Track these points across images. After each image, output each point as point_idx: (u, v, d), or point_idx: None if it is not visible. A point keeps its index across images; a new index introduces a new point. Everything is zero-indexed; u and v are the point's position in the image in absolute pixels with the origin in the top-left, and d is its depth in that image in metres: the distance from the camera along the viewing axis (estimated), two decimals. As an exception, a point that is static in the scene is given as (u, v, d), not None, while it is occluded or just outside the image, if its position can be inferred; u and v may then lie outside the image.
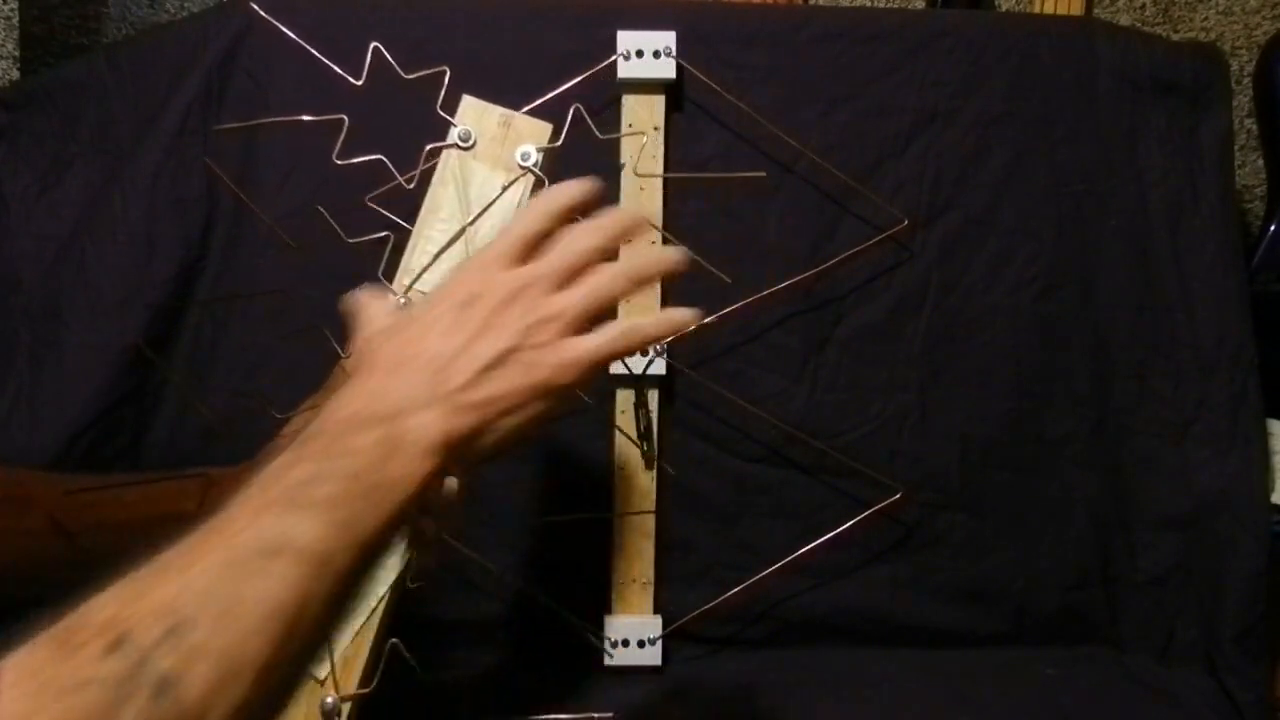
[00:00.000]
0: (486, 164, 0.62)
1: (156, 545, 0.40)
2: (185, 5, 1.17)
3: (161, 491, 0.63)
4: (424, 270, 0.60)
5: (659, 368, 0.91)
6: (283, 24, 0.83)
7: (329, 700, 0.55)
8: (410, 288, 0.60)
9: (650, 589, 0.93)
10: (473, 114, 0.63)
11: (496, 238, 0.52)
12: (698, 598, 0.94)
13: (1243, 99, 1.19)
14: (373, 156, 0.65)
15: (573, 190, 0.53)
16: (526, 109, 0.66)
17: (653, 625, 0.92)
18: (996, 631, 0.97)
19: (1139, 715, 0.89)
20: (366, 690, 0.57)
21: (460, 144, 0.62)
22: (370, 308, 0.52)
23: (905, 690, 0.90)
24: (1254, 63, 1.13)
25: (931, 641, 0.96)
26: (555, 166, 0.64)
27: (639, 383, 0.92)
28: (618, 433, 0.92)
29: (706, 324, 0.92)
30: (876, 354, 0.96)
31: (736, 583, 0.94)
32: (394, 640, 0.59)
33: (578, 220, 0.53)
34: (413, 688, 0.59)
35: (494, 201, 0.61)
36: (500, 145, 0.62)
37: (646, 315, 0.53)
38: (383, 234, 0.64)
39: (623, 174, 0.92)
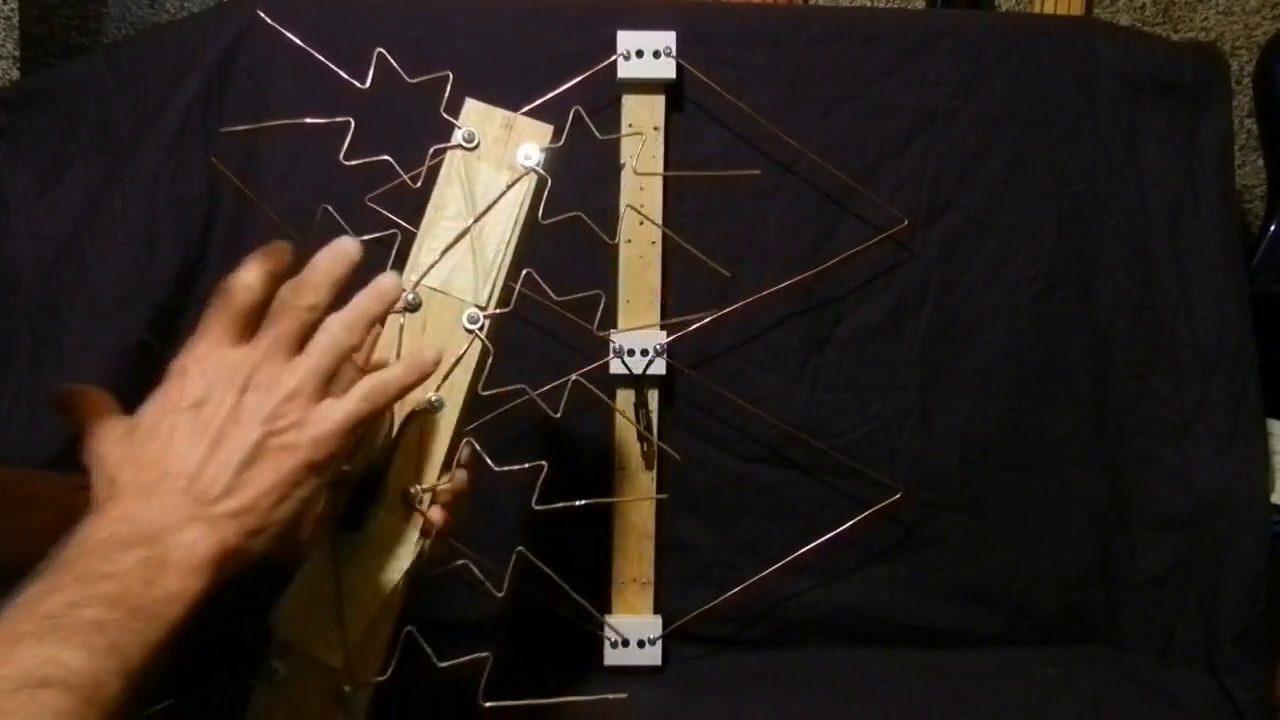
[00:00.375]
0: (490, 164, 0.63)
1: None
2: (185, 5, 1.17)
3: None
4: (432, 266, 0.61)
5: (659, 368, 0.91)
6: (284, 26, 0.83)
7: (345, 690, 0.56)
8: (418, 284, 0.61)
9: (650, 589, 0.93)
10: (476, 117, 0.64)
11: (203, 324, 0.49)
12: (698, 598, 0.94)
13: (1243, 99, 1.19)
14: (379, 157, 0.66)
15: (266, 256, 0.50)
16: (526, 109, 0.66)
17: (653, 625, 0.92)
18: (996, 631, 0.97)
19: (1139, 715, 0.88)
20: (381, 678, 0.57)
21: (464, 145, 0.62)
22: (96, 424, 0.48)
23: (905, 690, 0.90)
24: (1254, 63, 1.13)
25: (931, 641, 0.96)
26: (556, 165, 0.64)
27: (639, 383, 0.92)
28: (618, 433, 0.92)
29: (706, 324, 0.92)
30: (876, 354, 0.96)
31: (736, 583, 0.94)
32: (409, 628, 0.59)
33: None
34: (412, 686, 0.60)
35: (499, 199, 0.62)
36: (503, 146, 0.63)
37: (393, 366, 0.52)
38: (389, 232, 0.64)
39: (623, 174, 0.92)
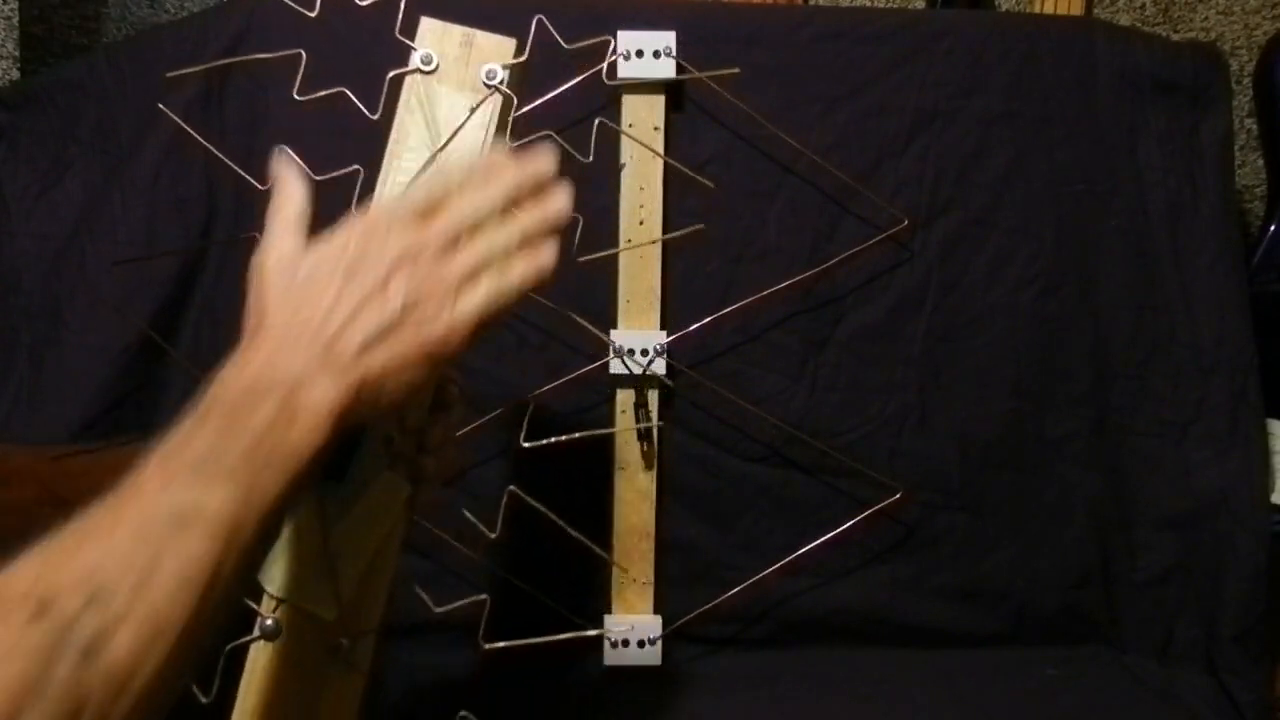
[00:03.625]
0: (451, 86, 0.59)
1: (71, 516, 0.41)
2: (185, 5, 1.17)
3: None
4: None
5: (659, 368, 0.91)
6: (281, 14, 0.83)
7: (343, 642, 0.55)
8: None
9: (650, 589, 0.93)
10: (432, 36, 0.60)
11: (399, 199, 0.52)
12: (698, 598, 0.94)
13: (1243, 99, 1.19)
14: (335, 89, 0.63)
15: (500, 183, 0.52)
16: (526, 109, 0.65)
17: (653, 625, 0.92)
18: (996, 631, 0.97)
19: (1139, 715, 0.89)
20: (376, 628, 0.57)
21: (422, 68, 0.59)
22: (275, 237, 0.51)
23: (905, 690, 0.90)
24: (1254, 63, 1.13)
25: (931, 641, 0.96)
26: (523, 83, 0.62)
27: (639, 383, 0.92)
28: (618, 433, 0.92)
29: (706, 324, 0.92)
30: (876, 354, 0.96)
31: (736, 583, 0.94)
32: (405, 576, 0.58)
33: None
34: (414, 686, 0.60)
35: (463, 125, 0.59)
36: (464, 66, 0.60)
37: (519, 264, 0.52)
38: (351, 169, 0.62)
39: (623, 174, 0.92)
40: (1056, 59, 0.96)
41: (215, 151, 0.87)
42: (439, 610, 0.62)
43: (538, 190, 0.53)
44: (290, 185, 0.53)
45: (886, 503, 0.94)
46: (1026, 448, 0.97)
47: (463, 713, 0.60)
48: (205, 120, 0.92)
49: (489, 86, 0.59)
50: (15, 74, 1.00)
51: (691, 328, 0.92)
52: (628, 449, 0.93)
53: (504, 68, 0.59)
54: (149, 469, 0.43)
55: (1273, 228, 1.06)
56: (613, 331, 0.91)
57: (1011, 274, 0.96)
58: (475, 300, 0.51)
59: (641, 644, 0.91)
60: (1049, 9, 1.12)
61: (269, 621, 0.55)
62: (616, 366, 0.91)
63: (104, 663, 0.37)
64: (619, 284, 0.92)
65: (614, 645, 0.91)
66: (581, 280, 0.89)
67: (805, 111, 0.95)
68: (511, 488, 0.59)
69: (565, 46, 0.82)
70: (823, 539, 0.94)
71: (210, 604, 0.41)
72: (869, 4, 1.22)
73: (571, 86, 0.86)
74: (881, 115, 0.96)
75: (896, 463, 0.96)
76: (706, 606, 0.94)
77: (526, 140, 0.64)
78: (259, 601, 0.56)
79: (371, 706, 0.56)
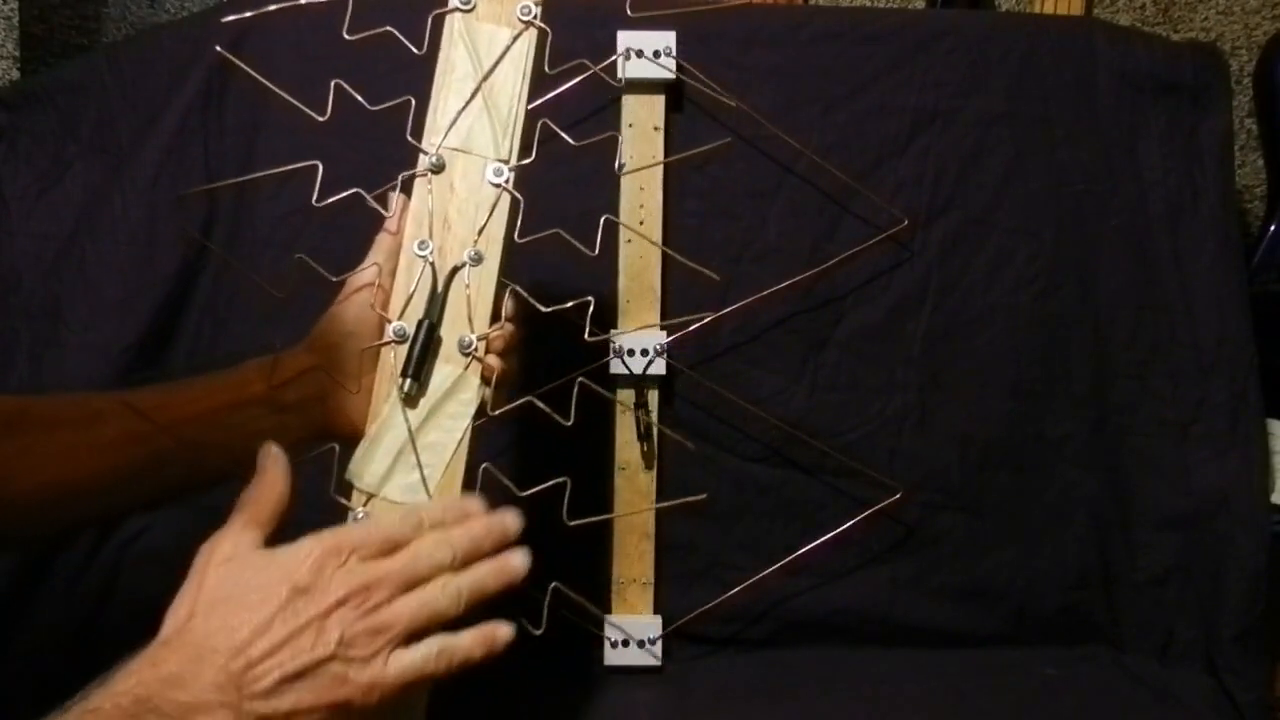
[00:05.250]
0: (490, 22, 0.64)
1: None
2: (185, 5, 1.17)
3: (225, 381, 0.64)
4: (450, 126, 0.63)
5: (659, 368, 0.91)
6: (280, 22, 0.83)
7: None
8: (440, 145, 0.63)
9: (650, 589, 0.93)
10: None
11: (361, 527, 0.53)
12: (698, 598, 0.94)
13: (1243, 99, 1.19)
14: (382, 29, 0.66)
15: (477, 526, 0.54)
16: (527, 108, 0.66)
17: (653, 625, 0.92)
18: (996, 631, 0.97)
19: (1139, 715, 0.88)
20: None
21: (461, 7, 0.64)
22: (226, 536, 0.51)
23: (905, 690, 0.90)
24: (1254, 63, 1.13)
25: (931, 641, 0.96)
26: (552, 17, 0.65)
27: (639, 383, 0.92)
28: (618, 433, 0.92)
29: (706, 324, 0.92)
30: (876, 354, 0.96)
31: (736, 583, 0.94)
32: (486, 465, 0.62)
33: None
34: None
35: (504, 55, 0.63)
36: (500, 4, 0.64)
37: (460, 636, 0.53)
38: (403, 99, 0.65)
39: (623, 174, 0.92)
40: (1056, 59, 0.96)
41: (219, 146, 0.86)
42: (522, 494, 0.64)
43: (500, 546, 0.54)
44: (273, 478, 0.53)
45: (886, 503, 0.94)
46: (1026, 448, 0.97)
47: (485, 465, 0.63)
48: (205, 120, 0.92)
49: (524, 21, 0.63)
50: (15, 74, 1.00)
51: (691, 328, 0.92)
52: (628, 449, 0.93)
53: (537, 3, 0.63)
54: None
55: (1273, 228, 1.07)
56: (613, 331, 0.91)
57: (1011, 274, 0.96)
58: (412, 658, 0.49)
59: (641, 644, 0.91)
60: (1049, 9, 1.12)
61: (360, 514, 0.58)
62: (617, 366, 0.91)
63: None
64: (619, 284, 0.92)
65: (614, 645, 0.91)
66: (581, 280, 0.89)
67: (805, 111, 0.95)
68: (486, 465, 0.61)
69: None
70: (823, 539, 0.94)
71: None
72: (869, 4, 1.22)
73: (570, 87, 0.86)
74: (881, 115, 0.96)
75: (896, 463, 0.96)
76: (706, 606, 0.94)
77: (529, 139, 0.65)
78: (351, 497, 0.59)
79: None
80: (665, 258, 0.93)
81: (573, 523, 0.65)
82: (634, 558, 0.93)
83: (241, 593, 0.48)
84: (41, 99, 0.93)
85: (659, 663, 0.92)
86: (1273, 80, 1.07)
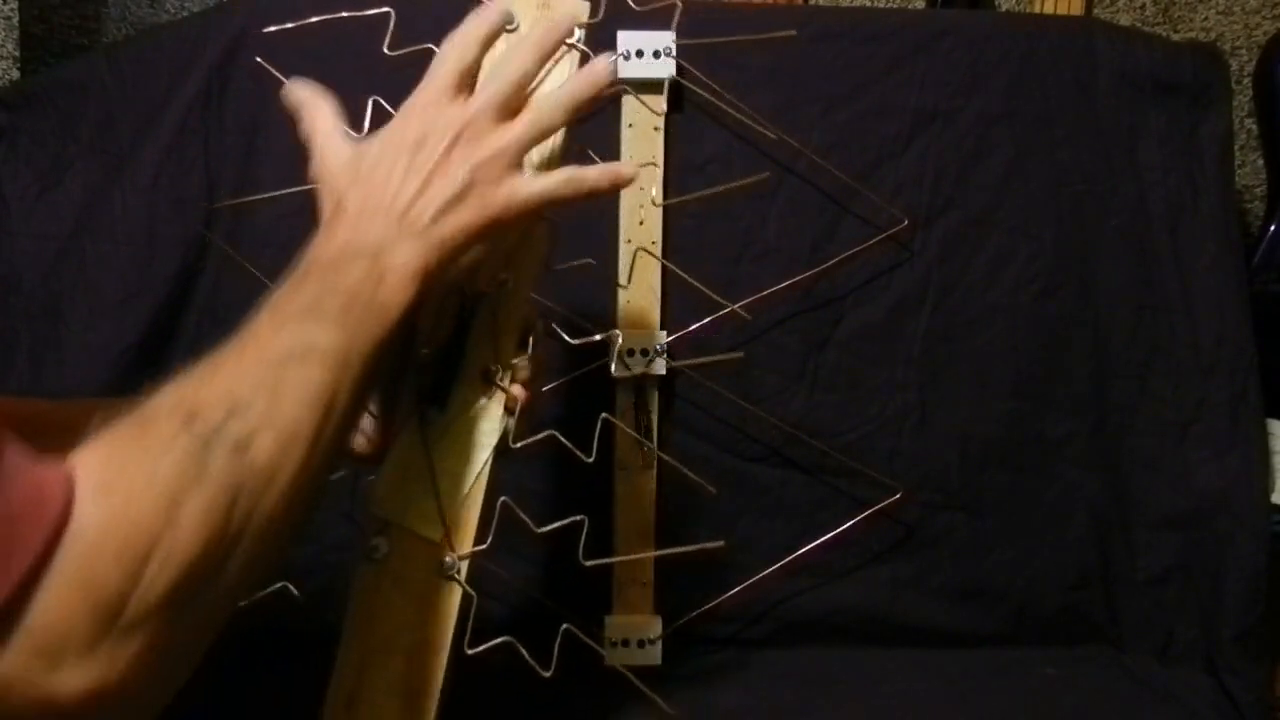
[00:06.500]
0: None
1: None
2: (185, 5, 1.17)
3: None
4: None
5: (659, 368, 0.91)
6: (284, 19, 0.83)
7: (447, 559, 0.59)
8: None
9: (650, 589, 0.93)
10: None
11: (429, 75, 0.55)
12: (698, 598, 0.94)
13: (1243, 99, 1.19)
14: (422, 46, 0.66)
15: (490, 16, 0.56)
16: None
17: (653, 625, 0.92)
18: (996, 631, 0.97)
19: (1139, 715, 0.88)
20: (482, 547, 0.61)
21: (505, 29, 0.63)
22: (327, 146, 0.55)
23: (905, 690, 0.90)
24: (1254, 63, 1.13)
25: (931, 641, 0.96)
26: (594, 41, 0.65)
27: (639, 383, 0.92)
28: (618, 433, 0.92)
29: (706, 324, 0.92)
30: (876, 354, 0.96)
31: (736, 583, 0.94)
32: (504, 499, 0.62)
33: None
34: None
35: (545, 76, 0.63)
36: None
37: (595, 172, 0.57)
38: None
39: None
40: (1056, 59, 0.96)
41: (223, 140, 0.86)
42: (540, 530, 0.67)
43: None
44: (315, 101, 0.57)
45: (886, 503, 0.94)
46: (1026, 448, 0.97)
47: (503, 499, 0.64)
48: (205, 120, 0.92)
49: (568, 45, 0.63)
50: (15, 74, 1.00)
51: (692, 328, 0.92)
52: (628, 449, 0.93)
53: (581, 27, 0.64)
54: (261, 317, 0.47)
55: (1273, 228, 1.06)
56: (613, 331, 0.91)
57: (1011, 274, 0.96)
58: (542, 183, 0.55)
59: (641, 644, 0.91)
60: (1049, 9, 1.12)
61: (377, 543, 0.59)
62: (617, 367, 0.91)
63: (251, 459, 0.42)
64: (619, 283, 0.92)
65: (614, 645, 0.91)
66: (582, 280, 0.89)
67: (805, 111, 0.95)
68: (504, 499, 0.62)
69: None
70: (823, 539, 0.94)
71: (330, 425, 0.46)
72: (869, 4, 1.22)
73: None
74: (881, 115, 0.96)
75: (896, 463, 0.96)
76: (706, 606, 0.94)
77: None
78: (369, 526, 0.60)
79: (467, 617, 0.61)
80: (666, 257, 0.93)
81: (589, 563, 0.66)
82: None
83: (369, 170, 0.53)
84: (41, 99, 0.93)
85: (659, 663, 0.92)
86: (1273, 80, 1.07)
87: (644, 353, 0.91)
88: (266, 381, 0.44)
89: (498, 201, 0.54)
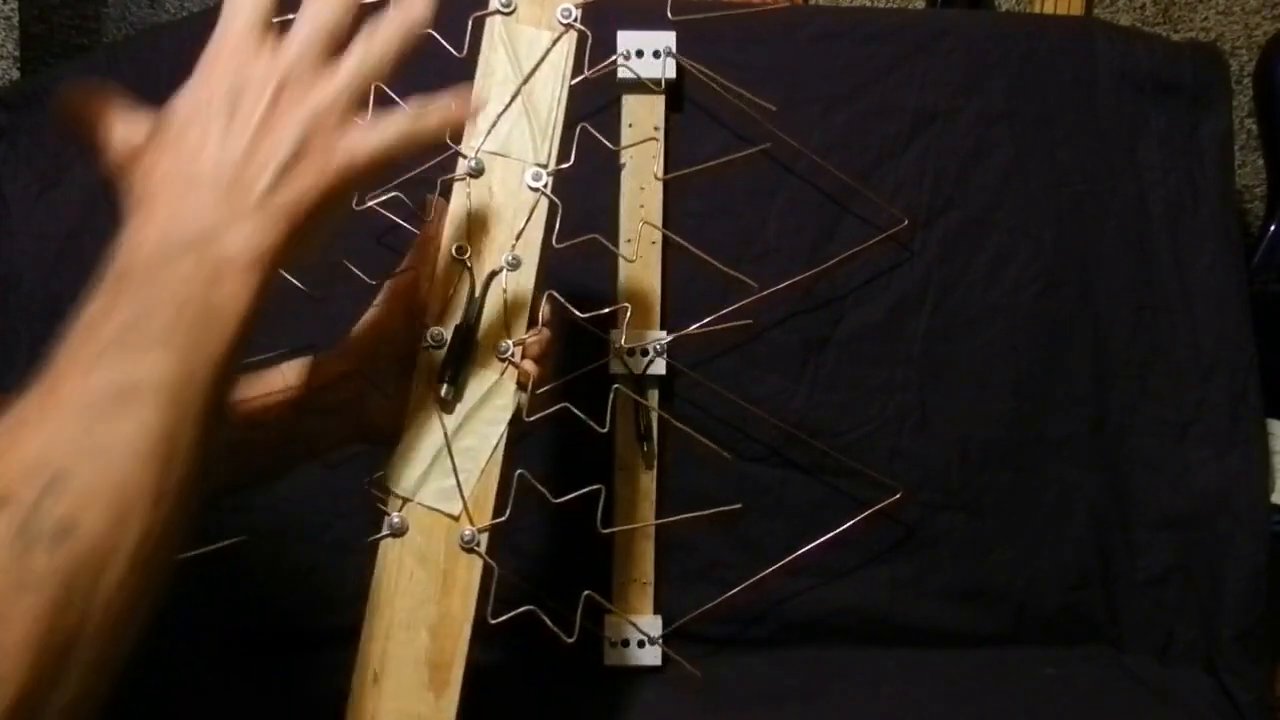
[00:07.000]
0: (529, 25, 0.64)
1: None
2: (185, 5, 1.17)
3: (264, 383, 0.64)
4: (490, 129, 0.63)
5: (659, 368, 0.91)
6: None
7: (467, 532, 0.59)
8: (479, 149, 0.63)
9: (650, 589, 0.93)
10: None
11: (224, 19, 0.47)
12: (698, 598, 0.94)
13: (1243, 99, 1.19)
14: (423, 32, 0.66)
15: None
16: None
17: (653, 625, 0.92)
18: (996, 631, 0.97)
19: (1139, 715, 0.88)
20: (501, 519, 0.61)
21: (502, 10, 0.64)
22: (119, 133, 0.47)
23: (905, 690, 0.90)
24: (1254, 63, 1.13)
25: (931, 641, 0.96)
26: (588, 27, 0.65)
27: (639, 383, 0.92)
28: (618, 433, 0.92)
29: (706, 324, 0.92)
30: (876, 354, 0.96)
31: (736, 583, 0.94)
32: (521, 471, 0.63)
33: None
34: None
35: (543, 59, 0.63)
36: (540, 7, 0.64)
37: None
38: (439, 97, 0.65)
39: (623, 174, 0.92)
40: (1056, 59, 0.96)
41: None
42: (557, 500, 0.66)
43: None
44: (85, 98, 0.49)
45: (886, 503, 0.94)
46: (1026, 448, 0.97)
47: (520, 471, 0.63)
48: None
49: (564, 24, 0.63)
50: (15, 74, 1.00)
51: (691, 328, 0.92)
52: (628, 449, 0.93)
53: (577, 6, 0.64)
54: (66, 354, 0.39)
55: (1273, 228, 1.06)
56: (613, 331, 0.91)
57: (1011, 274, 0.96)
58: (384, 135, 0.47)
59: (641, 644, 0.91)
60: (1049, 9, 1.12)
61: (396, 519, 0.59)
62: (616, 366, 0.91)
63: (79, 546, 0.35)
64: (619, 283, 0.92)
65: (614, 645, 0.91)
66: (581, 280, 0.89)
67: (805, 111, 0.95)
68: (521, 472, 0.62)
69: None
70: (823, 539, 0.94)
71: (172, 476, 0.38)
72: (869, 4, 1.22)
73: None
74: (881, 115, 0.96)
75: (896, 463, 0.96)
76: (706, 606, 0.94)
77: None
78: (387, 501, 0.60)
79: (488, 590, 0.61)
80: (665, 257, 0.93)
81: (606, 530, 0.66)
82: (634, 558, 0.93)
83: (177, 136, 0.44)
84: (41, 99, 0.93)
85: (659, 663, 0.92)
86: (1273, 80, 1.07)
87: (644, 353, 0.91)
88: (86, 440, 0.37)
89: (339, 159, 0.45)
